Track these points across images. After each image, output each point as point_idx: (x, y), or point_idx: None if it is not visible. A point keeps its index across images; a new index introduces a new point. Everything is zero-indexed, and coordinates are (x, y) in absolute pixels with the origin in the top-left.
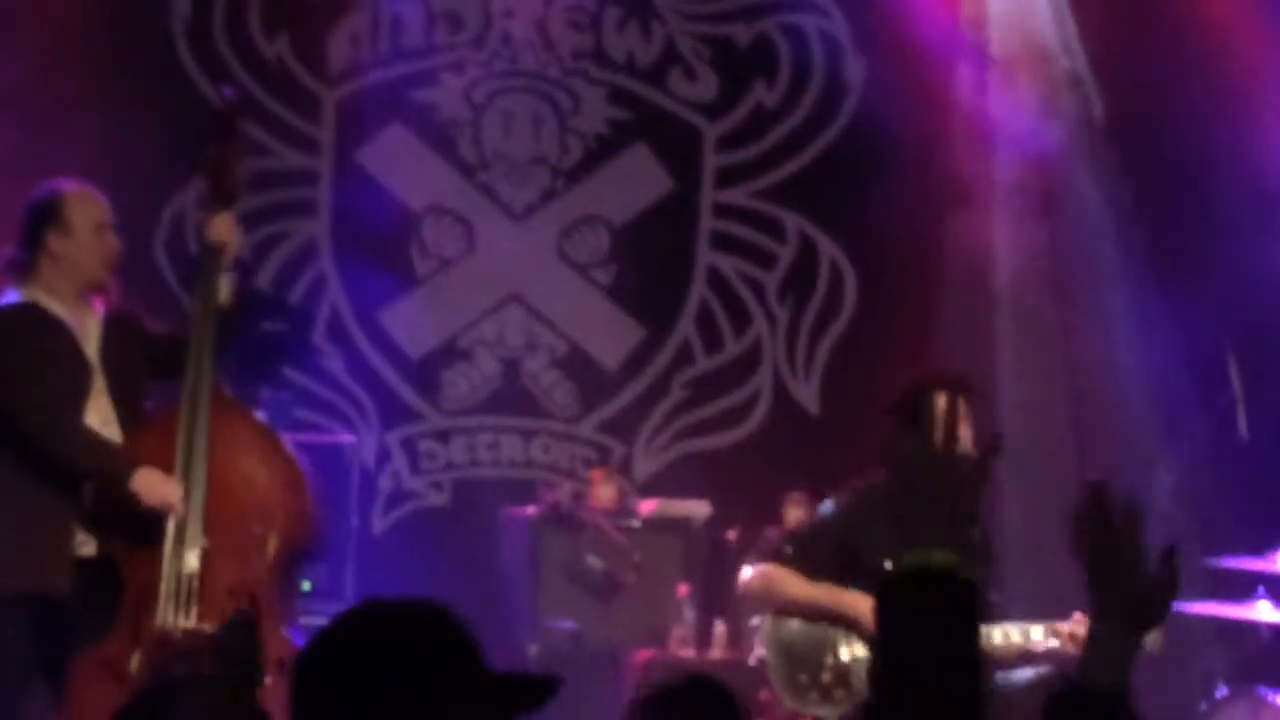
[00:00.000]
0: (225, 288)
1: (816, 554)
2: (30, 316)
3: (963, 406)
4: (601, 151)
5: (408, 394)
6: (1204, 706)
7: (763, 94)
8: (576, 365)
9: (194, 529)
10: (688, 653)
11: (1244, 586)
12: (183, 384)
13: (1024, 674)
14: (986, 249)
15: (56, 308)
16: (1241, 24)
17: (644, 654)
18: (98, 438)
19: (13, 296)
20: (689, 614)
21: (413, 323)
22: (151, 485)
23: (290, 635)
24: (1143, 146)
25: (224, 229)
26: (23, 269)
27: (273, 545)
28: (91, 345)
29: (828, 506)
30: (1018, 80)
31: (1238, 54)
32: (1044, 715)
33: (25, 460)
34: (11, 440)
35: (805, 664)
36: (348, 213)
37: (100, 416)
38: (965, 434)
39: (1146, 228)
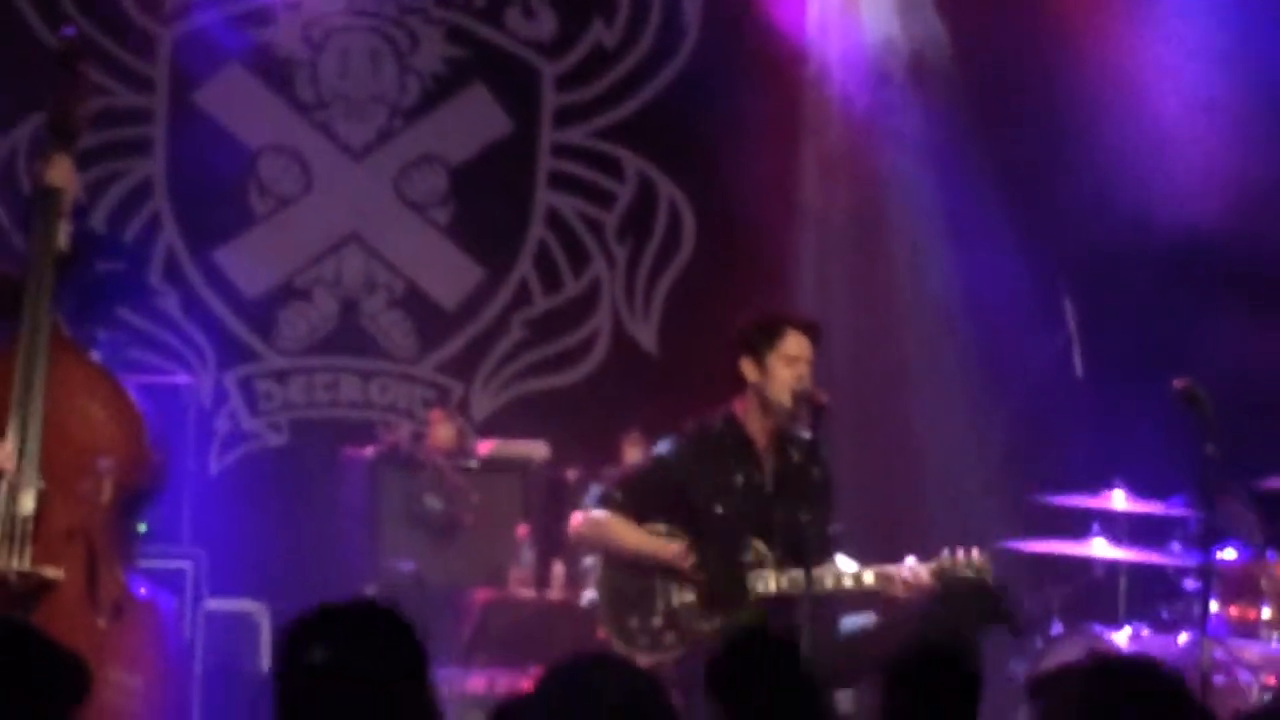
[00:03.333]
0: (63, 233)
1: (645, 499)
2: None
3: (811, 349)
4: (439, 91)
5: (245, 334)
6: (1039, 643)
7: (601, 33)
8: (415, 305)
9: (30, 471)
10: (527, 593)
11: (1078, 524)
12: (19, 328)
13: (855, 622)
14: (825, 188)
15: None
16: None
17: (483, 594)
18: None
19: None
20: (528, 555)
21: (250, 262)
22: None
23: (128, 578)
24: (984, 82)
25: (63, 172)
26: None
27: (110, 487)
28: None
29: (660, 448)
30: (857, 14)
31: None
32: (888, 673)
33: None
34: None
35: (635, 608)
36: (183, 151)
37: None
38: (808, 376)
39: (985, 166)
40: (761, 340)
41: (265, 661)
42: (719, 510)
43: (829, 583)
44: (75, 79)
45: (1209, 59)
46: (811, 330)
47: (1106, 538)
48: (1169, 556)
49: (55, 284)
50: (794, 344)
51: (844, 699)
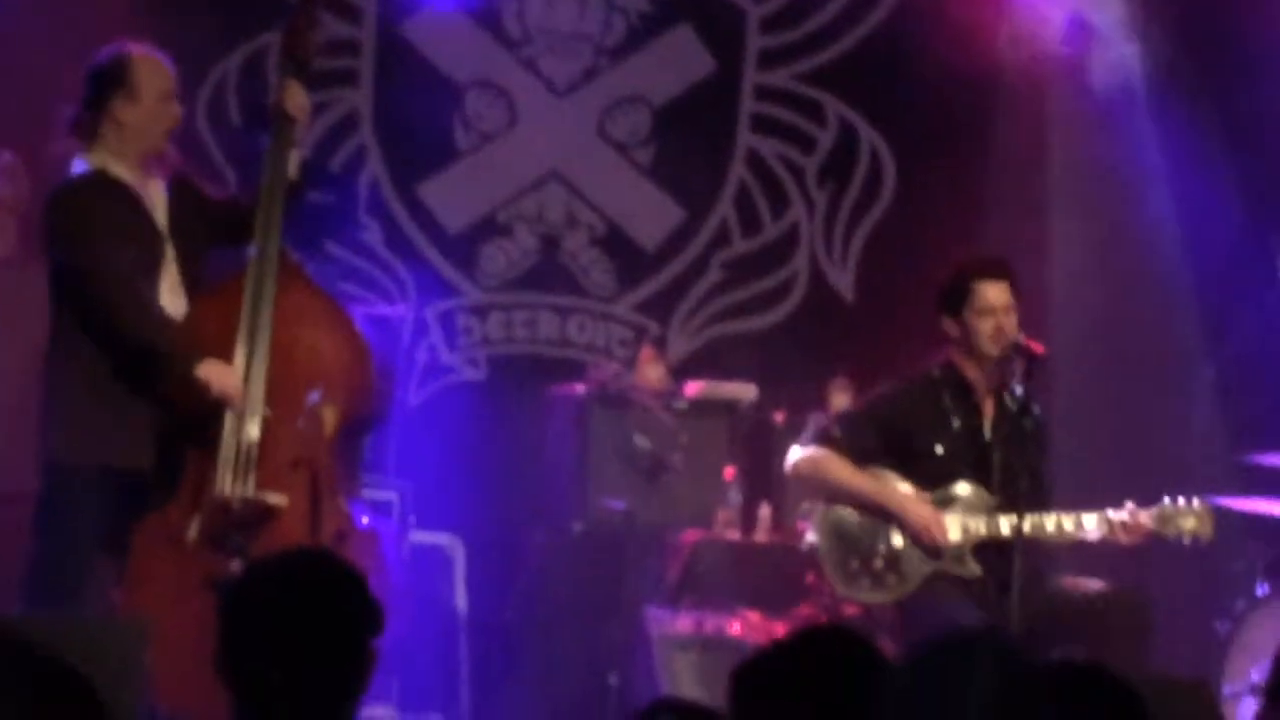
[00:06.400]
0: (293, 161)
1: (865, 438)
2: (105, 185)
3: (1007, 294)
4: (645, 30)
5: (445, 268)
6: (1241, 604)
7: None
8: (615, 244)
9: (256, 399)
10: (733, 535)
11: None
12: (249, 254)
13: (1084, 584)
14: (1031, 137)
15: (125, 175)
16: None
17: (691, 534)
18: (168, 321)
19: (81, 166)
20: (735, 497)
21: (452, 197)
22: (215, 375)
23: (350, 507)
24: (1201, 25)
25: (297, 100)
26: (87, 133)
27: (335, 416)
28: (160, 213)
29: (879, 390)
30: None
31: None
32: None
33: (104, 334)
34: (90, 314)
35: (857, 550)
36: (390, 85)
37: (170, 285)
38: (1010, 322)
39: (1201, 114)
40: (955, 298)
41: (459, 596)
42: (939, 450)
43: (1049, 527)
44: (309, 4)
45: None
46: (1002, 273)
47: None
48: None
49: (285, 213)
50: (987, 294)
51: None
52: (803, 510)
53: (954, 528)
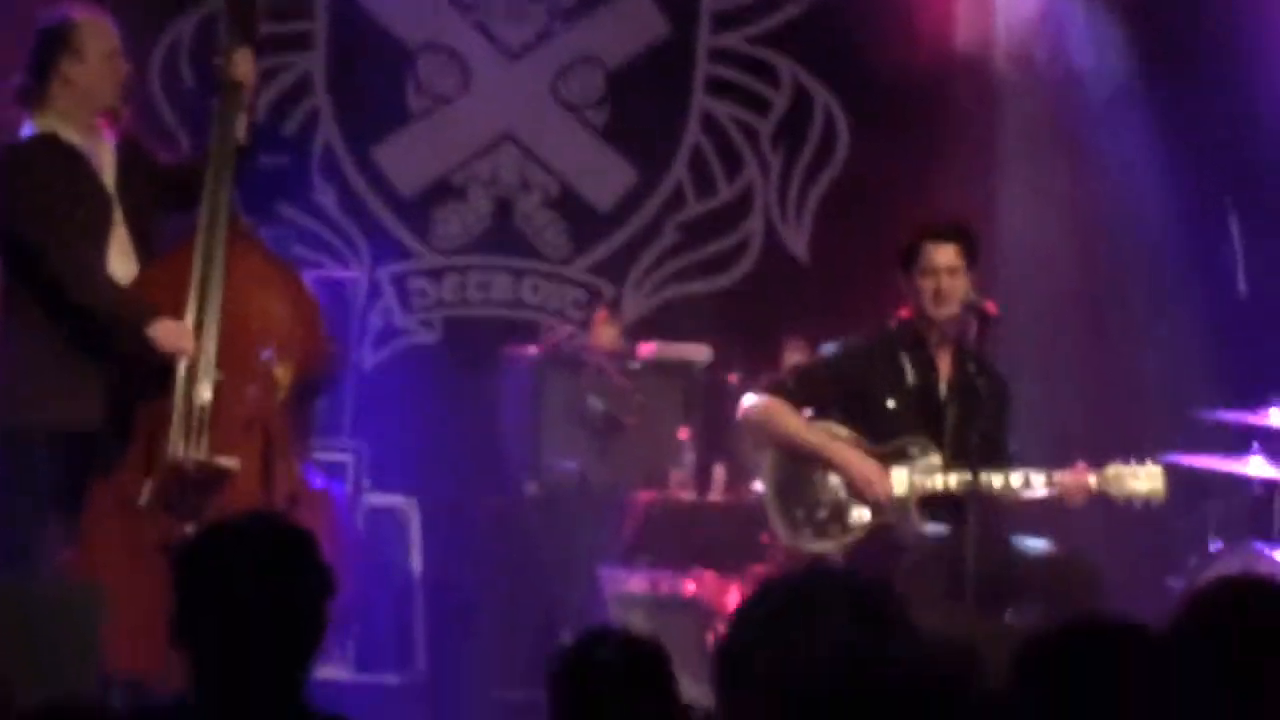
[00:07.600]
0: (242, 126)
1: (818, 390)
2: (51, 150)
3: (953, 256)
4: None
5: (400, 231)
6: (1194, 561)
7: None
8: (569, 206)
9: (208, 361)
10: (688, 495)
11: (1237, 441)
12: (199, 219)
13: (1037, 545)
14: (985, 99)
15: (73, 137)
16: None
17: (645, 495)
18: (116, 285)
19: (29, 129)
20: (689, 457)
21: (405, 160)
22: (166, 332)
23: (303, 469)
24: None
25: (243, 66)
26: (35, 97)
27: (287, 377)
28: (109, 175)
29: (835, 345)
30: None
31: None
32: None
33: (54, 298)
34: (39, 279)
35: (801, 500)
36: (342, 47)
37: (119, 247)
38: (954, 284)
39: (1148, 79)
40: (907, 257)
41: (414, 557)
42: (891, 405)
43: (996, 484)
44: None
45: None
46: (951, 236)
47: (1265, 455)
48: None
49: (234, 176)
50: (932, 255)
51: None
52: (756, 467)
53: (900, 481)
